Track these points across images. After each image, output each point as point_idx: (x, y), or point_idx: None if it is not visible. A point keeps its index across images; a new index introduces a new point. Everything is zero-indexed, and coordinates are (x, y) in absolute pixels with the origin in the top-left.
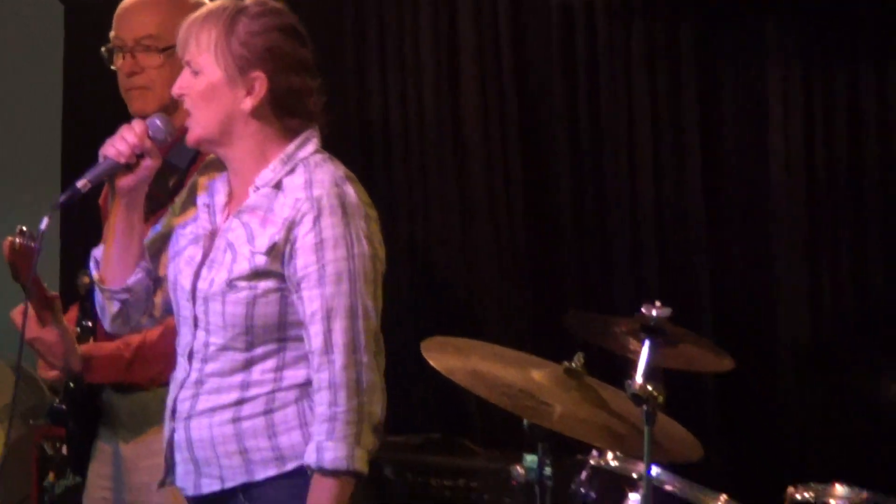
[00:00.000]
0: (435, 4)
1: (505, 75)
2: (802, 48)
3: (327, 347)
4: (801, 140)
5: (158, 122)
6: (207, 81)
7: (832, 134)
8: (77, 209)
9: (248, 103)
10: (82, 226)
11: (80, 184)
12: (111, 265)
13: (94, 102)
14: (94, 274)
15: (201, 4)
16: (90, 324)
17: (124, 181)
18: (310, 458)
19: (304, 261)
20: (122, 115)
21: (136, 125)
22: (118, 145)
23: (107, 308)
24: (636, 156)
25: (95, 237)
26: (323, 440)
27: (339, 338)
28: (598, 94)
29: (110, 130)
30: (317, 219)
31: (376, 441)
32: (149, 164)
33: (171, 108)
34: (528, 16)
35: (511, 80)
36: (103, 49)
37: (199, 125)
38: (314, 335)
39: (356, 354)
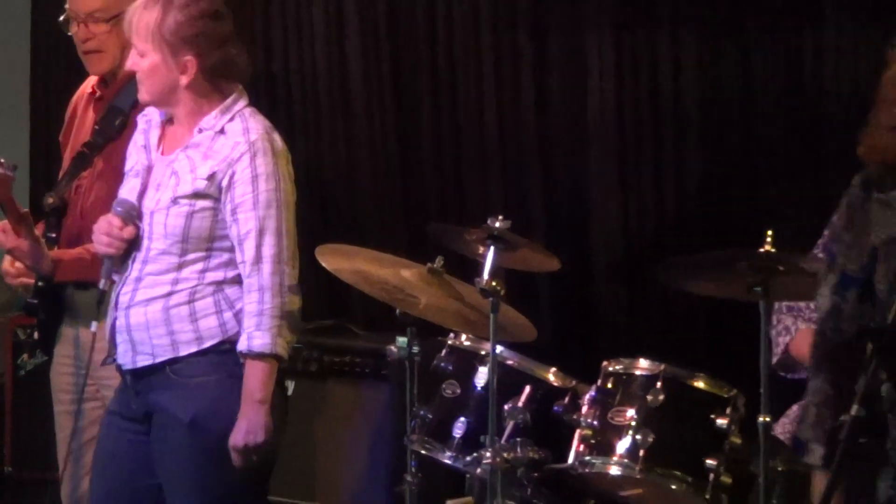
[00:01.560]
0: None
1: (381, 41)
2: (614, 14)
3: (258, 258)
4: (612, 85)
5: (119, 208)
6: (149, 63)
7: (637, 81)
8: (43, 146)
9: (184, 80)
10: (47, 156)
11: (102, 284)
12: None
13: (56, 47)
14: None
15: None
16: (54, 235)
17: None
18: (242, 346)
19: (241, 190)
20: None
21: (110, 220)
22: (112, 245)
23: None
24: (483, 99)
25: (58, 166)
26: (252, 331)
27: (267, 251)
28: (452, 51)
29: (71, 69)
30: (253, 158)
31: (294, 333)
32: (130, 231)
33: (121, 65)
34: None
35: (386, 42)
36: (60, 18)
37: (147, 93)
38: (247, 249)
39: (280, 265)
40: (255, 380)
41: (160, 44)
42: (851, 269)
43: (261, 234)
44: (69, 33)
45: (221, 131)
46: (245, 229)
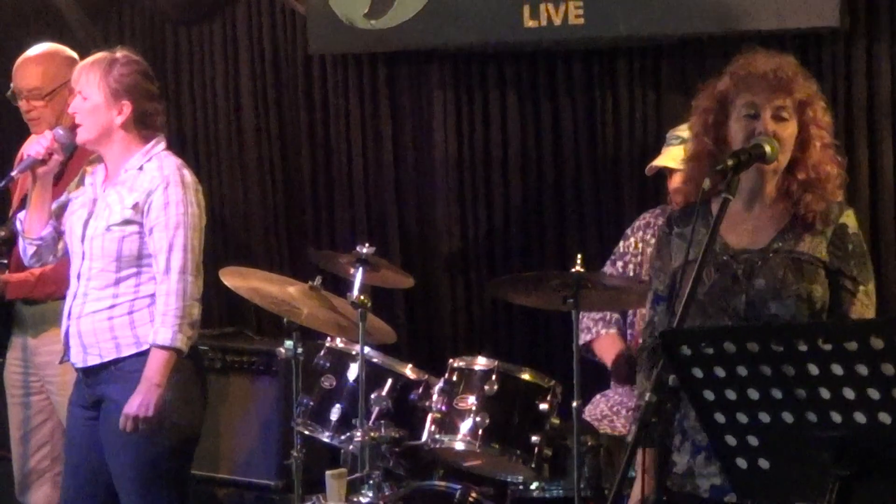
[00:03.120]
0: (224, 61)
1: (269, 104)
2: (454, 81)
3: (167, 269)
4: (454, 137)
5: (61, 131)
6: (92, 104)
7: (472, 133)
8: None
9: (118, 120)
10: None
11: (14, 174)
12: (31, 223)
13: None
14: (20, 228)
15: (71, 58)
16: (5, 261)
17: (41, 170)
18: (150, 338)
19: (156, 214)
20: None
21: (48, 134)
22: (37, 147)
23: (28, 250)
24: (351, 149)
25: (8, 206)
26: (158, 327)
27: (174, 263)
28: (326, 111)
29: (20, 128)
30: (166, 188)
31: (194, 331)
32: (56, 159)
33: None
34: (284, 66)
35: (273, 106)
36: (8, 93)
37: (86, 131)
38: (159, 261)
39: (184, 274)
40: (155, 365)
41: (104, 88)
42: (660, 289)
43: (170, 249)
44: (15, 104)
45: (141, 169)
46: (158, 246)
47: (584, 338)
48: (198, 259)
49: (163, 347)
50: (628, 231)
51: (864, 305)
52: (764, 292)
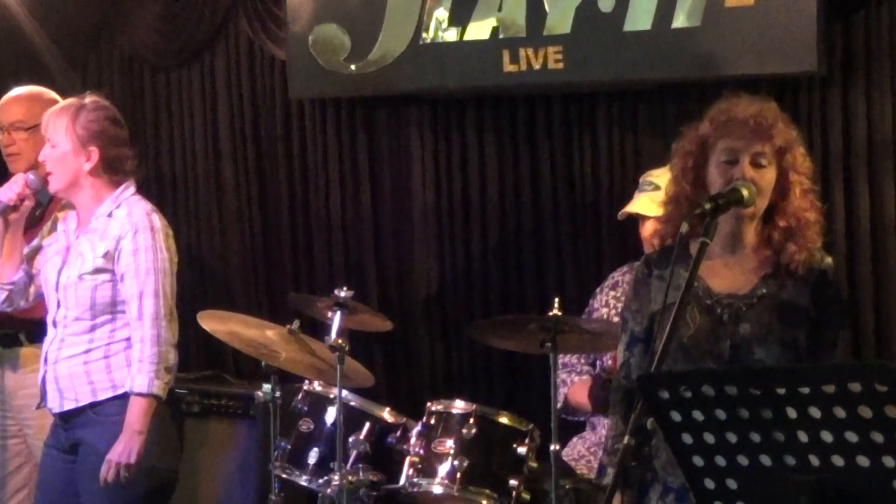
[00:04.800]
0: (203, 105)
1: (248, 144)
2: (433, 125)
3: (140, 315)
4: (432, 180)
5: (32, 176)
6: (60, 152)
7: (450, 177)
8: None
9: (87, 166)
10: None
11: None
12: (3, 268)
13: None
14: None
15: (54, 100)
16: None
17: (13, 216)
18: (128, 386)
19: (126, 261)
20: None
21: (19, 179)
22: (8, 193)
23: None
24: (329, 192)
25: None
26: (135, 374)
27: (147, 309)
28: (305, 153)
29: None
30: (135, 234)
31: (170, 376)
32: (27, 204)
33: (35, 166)
34: (263, 110)
35: (251, 146)
36: None
37: (57, 180)
38: (132, 308)
39: (157, 320)
40: (135, 413)
41: (71, 135)
42: (637, 330)
43: (141, 296)
44: None
45: (110, 215)
46: (130, 292)
47: (561, 392)
48: (171, 304)
49: (141, 395)
50: (597, 290)
51: (843, 351)
52: (749, 337)
